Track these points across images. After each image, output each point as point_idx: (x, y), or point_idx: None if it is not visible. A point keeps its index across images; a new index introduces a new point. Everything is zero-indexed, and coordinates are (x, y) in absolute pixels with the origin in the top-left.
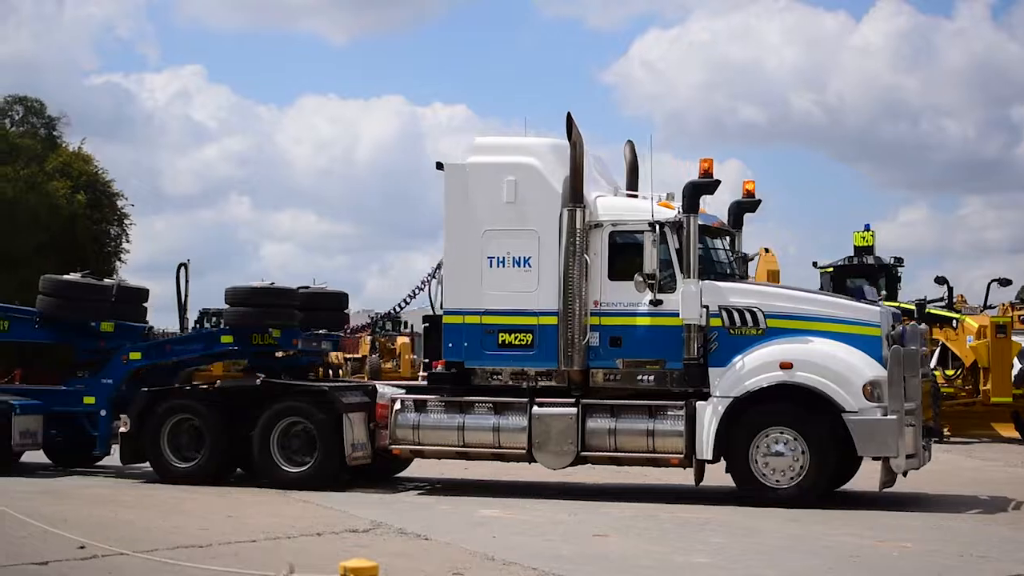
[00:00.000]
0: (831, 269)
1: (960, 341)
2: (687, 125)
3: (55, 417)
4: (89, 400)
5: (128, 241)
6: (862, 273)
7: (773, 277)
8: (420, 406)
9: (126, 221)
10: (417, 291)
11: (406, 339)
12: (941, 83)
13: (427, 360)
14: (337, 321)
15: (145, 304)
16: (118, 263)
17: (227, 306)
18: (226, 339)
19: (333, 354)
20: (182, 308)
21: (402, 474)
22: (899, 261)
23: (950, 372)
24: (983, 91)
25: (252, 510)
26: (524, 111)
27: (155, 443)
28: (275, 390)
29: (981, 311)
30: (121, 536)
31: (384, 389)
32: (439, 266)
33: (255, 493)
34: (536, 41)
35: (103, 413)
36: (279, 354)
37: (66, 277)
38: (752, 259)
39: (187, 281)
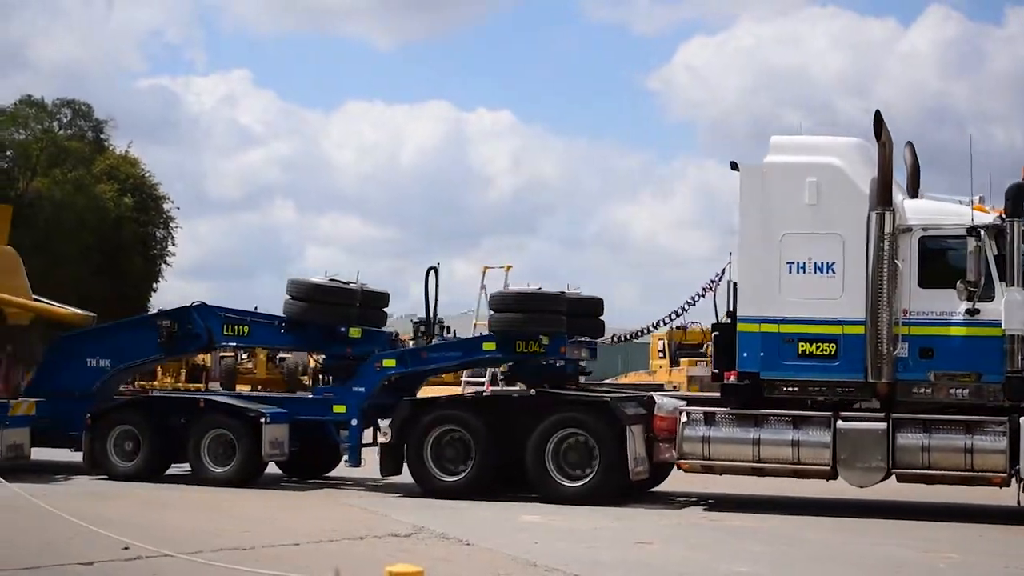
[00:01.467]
0: None
1: None
2: (731, 131)
3: (296, 427)
4: (339, 409)
5: (174, 244)
6: None
7: None
8: (709, 419)
9: (172, 224)
10: (698, 297)
11: None
12: (989, 90)
13: (716, 371)
14: (595, 328)
15: (385, 309)
16: (163, 265)
17: (491, 312)
18: (488, 346)
19: None
20: (433, 313)
21: (656, 489)
22: None
23: None
24: None
25: (294, 513)
26: (568, 117)
27: (418, 455)
28: (552, 401)
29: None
30: (165, 538)
31: (663, 400)
32: (722, 271)
33: (297, 496)
34: (581, 46)
35: (354, 423)
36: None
37: (314, 280)
38: None
39: (437, 286)
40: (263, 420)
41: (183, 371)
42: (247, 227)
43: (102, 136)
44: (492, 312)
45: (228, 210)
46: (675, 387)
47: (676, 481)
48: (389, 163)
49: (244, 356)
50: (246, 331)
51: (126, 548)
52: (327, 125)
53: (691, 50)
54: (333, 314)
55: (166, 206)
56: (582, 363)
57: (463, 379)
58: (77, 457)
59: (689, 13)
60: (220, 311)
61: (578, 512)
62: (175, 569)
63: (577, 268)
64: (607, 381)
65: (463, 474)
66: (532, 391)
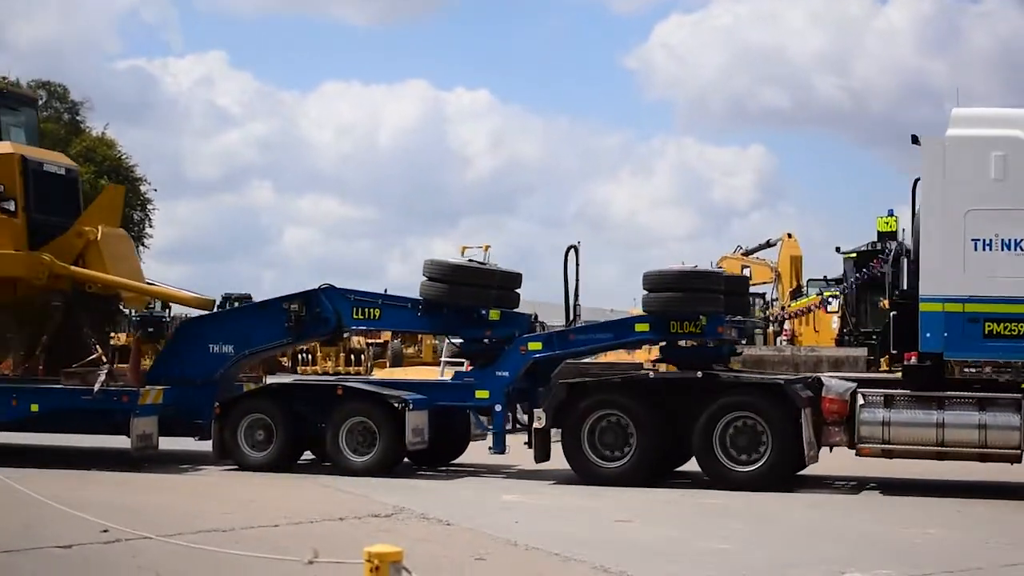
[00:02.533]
0: (855, 255)
1: None
2: (709, 109)
3: (433, 413)
4: (482, 394)
5: (151, 226)
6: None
7: (796, 262)
8: (888, 401)
9: (149, 206)
10: (866, 275)
11: None
12: (966, 67)
13: (895, 351)
14: (742, 306)
15: (518, 291)
16: (141, 248)
17: (645, 292)
18: (641, 327)
19: (356, 339)
20: (574, 295)
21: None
22: None
23: None
24: (1009, 74)
25: (275, 494)
26: (547, 96)
27: (575, 441)
28: (720, 383)
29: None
30: (145, 520)
31: (831, 382)
32: (892, 248)
33: (278, 478)
34: (559, 26)
35: (498, 408)
36: (683, 343)
37: (453, 260)
38: (775, 244)
39: (578, 265)
40: (407, 407)
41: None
42: (225, 209)
43: (78, 118)
44: (647, 292)
45: (206, 192)
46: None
47: None
48: (367, 143)
49: None
50: (377, 314)
51: (105, 531)
52: (304, 106)
53: (668, 28)
54: (473, 296)
55: (143, 188)
56: (736, 344)
57: (442, 359)
58: (201, 446)
59: None
60: (349, 294)
61: (558, 491)
62: (154, 551)
63: (557, 247)
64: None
65: (624, 460)
66: (698, 373)
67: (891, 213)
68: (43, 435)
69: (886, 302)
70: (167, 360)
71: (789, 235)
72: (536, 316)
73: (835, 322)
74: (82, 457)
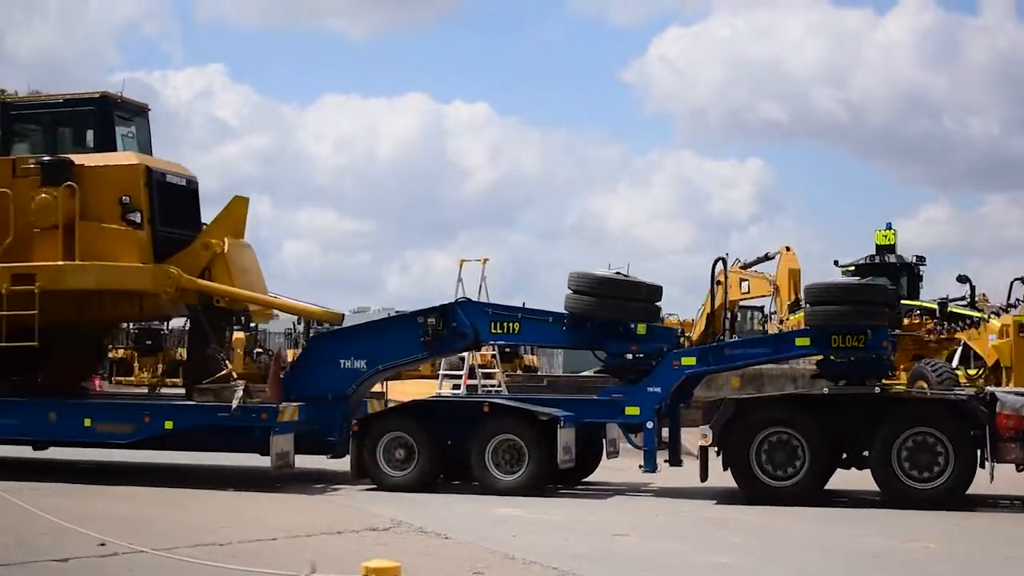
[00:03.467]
0: (853, 268)
1: (983, 340)
2: (708, 122)
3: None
4: (632, 411)
5: None
6: (884, 272)
7: (794, 276)
8: None
9: None
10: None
11: None
12: (965, 80)
13: None
14: (895, 320)
15: (659, 304)
16: None
17: (807, 305)
18: (802, 341)
19: None
20: (724, 306)
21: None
22: (921, 260)
23: (972, 371)
24: (1007, 88)
25: (273, 507)
26: (545, 109)
27: (743, 458)
28: (899, 399)
29: (1004, 310)
30: (142, 533)
31: (1005, 397)
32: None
33: (275, 491)
34: (558, 39)
35: (650, 425)
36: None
37: (601, 273)
38: (774, 257)
39: (726, 277)
40: (559, 424)
41: (160, 366)
42: None
43: None
44: (808, 305)
45: (205, 204)
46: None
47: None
48: (366, 156)
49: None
50: (517, 328)
51: (102, 544)
52: (303, 118)
53: (666, 41)
54: (621, 309)
55: None
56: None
57: (440, 372)
58: (333, 464)
59: (666, 4)
60: (487, 307)
61: (556, 505)
62: (151, 565)
63: (555, 260)
64: (584, 373)
65: (794, 477)
66: (876, 388)
67: (889, 226)
68: (50, 450)
69: None
70: (298, 375)
71: (787, 248)
72: (682, 330)
73: None
74: (87, 472)
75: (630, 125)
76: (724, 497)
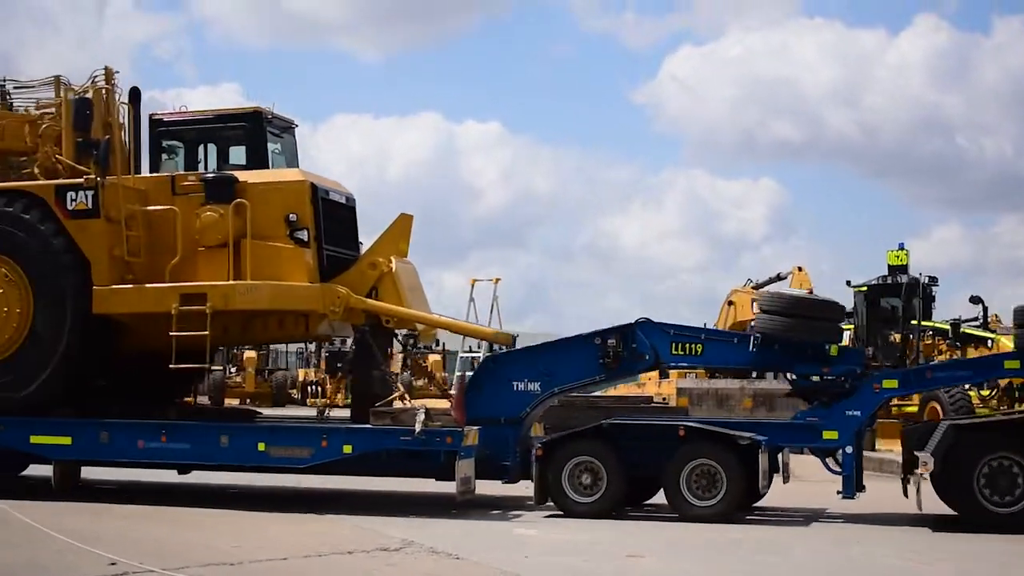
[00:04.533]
0: (865, 288)
1: None
2: (720, 142)
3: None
4: (831, 435)
5: None
6: (896, 292)
7: None
8: None
9: None
10: None
11: (438, 357)
12: (978, 100)
13: None
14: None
15: (840, 322)
16: None
17: (1018, 329)
18: (1011, 364)
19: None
20: (918, 331)
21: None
22: (933, 280)
23: (985, 392)
24: (1020, 108)
25: (284, 527)
26: (557, 129)
27: (967, 485)
28: None
29: (1016, 330)
30: (153, 553)
31: None
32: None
33: (287, 511)
34: (570, 59)
35: (849, 450)
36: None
37: (793, 292)
38: (786, 277)
39: (921, 300)
40: (760, 448)
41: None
42: None
43: None
44: (1021, 329)
45: None
46: (664, 399)
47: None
48: (378, 175)
49: (233, 370)
50: (699, 350)
51: (113, 564)
52: (316, 138)
53: (678, 60)
54: (819, 330)
55: None
56: None
57: (452, 392)
58: (508, 490)
59: (678, 23)
60: (668, 328)
61: (571, 525)
62: None
63: (566, 279)
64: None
65: (1017, 504)
66: None
67: (901, 246)
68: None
69: (897, 336)
70: (471, 398)
71: (799, 268)
72: (871, 351)
73: None
74: (105, 492)
75: (642, 144)
76: (744, 519)
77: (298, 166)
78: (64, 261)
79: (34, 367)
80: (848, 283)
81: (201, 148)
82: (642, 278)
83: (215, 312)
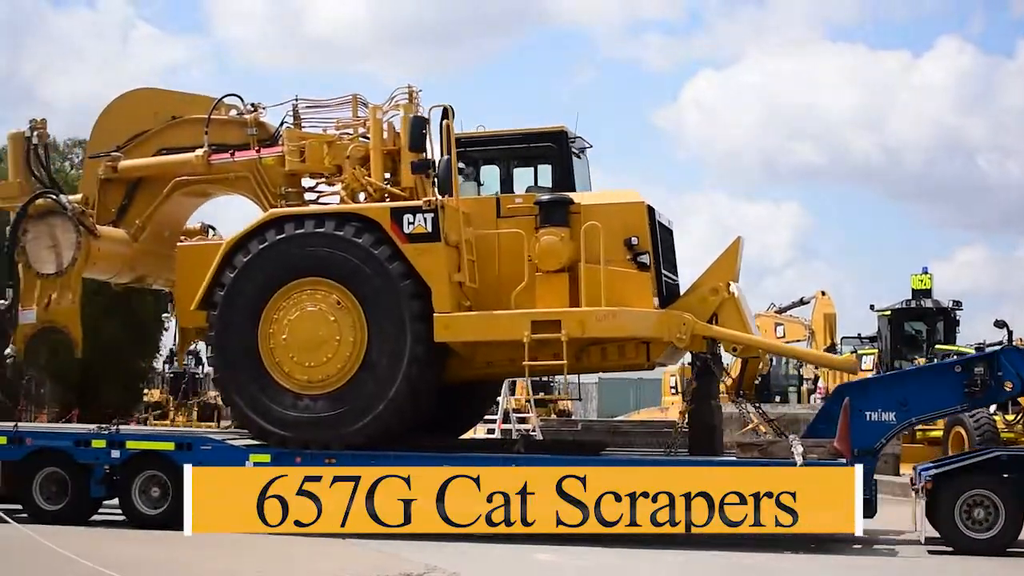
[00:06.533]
0: (889, 312)
1: None
2: (741, 166)
3: None
4: None
5: None
6: (920, 316)
7: (829, 320)
8: None
9: None
10: None
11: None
12: (1001, 123)
13: None
14: None
15: None
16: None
17: None
18: None
19: None
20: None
21: None
22: (958, 304)
23: (1011, 417)
24: None
25: (307, 552)
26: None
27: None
28: None
29: None
30: None
31: None
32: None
33: (312, 536)
34: (591, 83)
35: None
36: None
37: None
38: (808, 302)
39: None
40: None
41: (195, 410)
42: None
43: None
44: None
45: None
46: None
47: None
48: None
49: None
50: None
51: None
52: None
53: (699, 85)
54: None
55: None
56: None
57: None
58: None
59: (699, 48)
60: None
61: (591, 551)
62: None
63: None
64: (618, 418)
65: None
66: None
67: (925, 271)
68: None
69: (921, 360)
70: (822, 427)
71: (823, 293)
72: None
73: None
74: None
75: (664, 168)
76: (764, 544)
77: (590, 188)
78: (402, 287)
79: (369, 399)
80: (872, 307)
81: (500, 168)
82: None
83: (569, 340)
